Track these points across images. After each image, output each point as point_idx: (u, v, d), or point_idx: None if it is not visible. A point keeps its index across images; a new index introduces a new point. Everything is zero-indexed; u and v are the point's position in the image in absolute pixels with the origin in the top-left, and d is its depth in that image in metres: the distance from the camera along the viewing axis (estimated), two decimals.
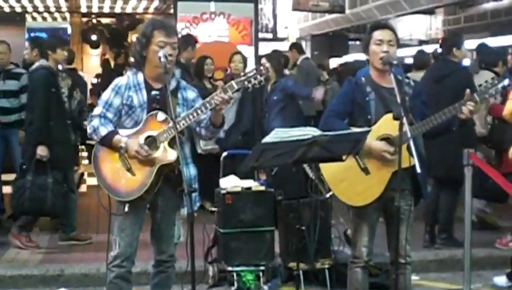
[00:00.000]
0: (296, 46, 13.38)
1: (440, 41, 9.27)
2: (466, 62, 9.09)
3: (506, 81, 4.91)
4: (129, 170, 4.85)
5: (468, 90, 4.88)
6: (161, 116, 4.83)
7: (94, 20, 17.60)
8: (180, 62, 7.88)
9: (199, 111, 4.78)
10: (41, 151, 7.34)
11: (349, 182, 5.00)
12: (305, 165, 6.45)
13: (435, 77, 7.73)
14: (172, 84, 4.94)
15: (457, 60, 7.88)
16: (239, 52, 9.40)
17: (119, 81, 4.99)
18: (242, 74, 4.94)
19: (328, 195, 6.47)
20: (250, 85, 4.88)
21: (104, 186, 4.91)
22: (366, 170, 4.96)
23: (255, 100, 9.34)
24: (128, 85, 4.93)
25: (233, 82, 4.84)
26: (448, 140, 6.59)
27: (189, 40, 9.48)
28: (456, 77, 7.50)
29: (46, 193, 7.35)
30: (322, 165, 5.18)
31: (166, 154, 4.79)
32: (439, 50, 8.54)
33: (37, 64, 7.76)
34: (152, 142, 4.81)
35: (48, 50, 7.74)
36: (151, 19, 5.24)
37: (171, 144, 4.78)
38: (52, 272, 6.95)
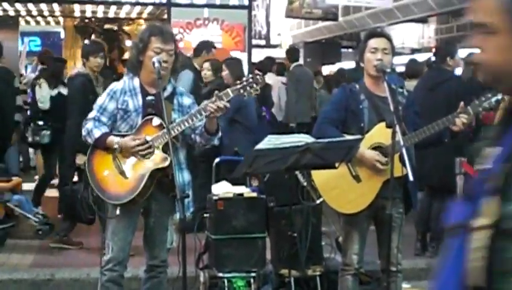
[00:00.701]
0: (289, 53, 13.41)
1: (434, 50, 9.30)
2: (459, 71, 9.11)
3: (500, 95, 4.93)
4: (122, 173, 4.86)
5: (462, 103, 4.90)
6: (156, 121, 4.85)
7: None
8: (193, 67, 7.79)
9: (194, 117, 4.79)
10: (79, 160, 7.11)
11: (341, 190, 5.01)
12: (297, 172, 6.45)
13: (428, 85, 7.76)
14: (168, 90, 4.96)
15: (450, 68, 7.93)
16: (208, 60, 9.18)
17: (115, 85, 5.02)
18: (238, 82, 4.95)
19: (318, 201, 6.47)
20: (245, 93, 4.89)
21: (96, 189, 4.93)
22: (357, 178, 4.97)
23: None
24: (123, 90, 4.95)
25: (228, 90, 4.85)
26: (442, 149, 6.62)
27: (204, 46, 9.38)
28: (449, 86, 7.54)
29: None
30: (313, 172, 5.20)
31: (160, 158, 4.80)
32: (433, 58, 8.57)
33: (75, 71, 7.85)
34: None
35: (83, 58, 7.84)
36: (149, 24, 5.23)
37: (165, 149, 4.79)
38: (43, 277, 6.94)
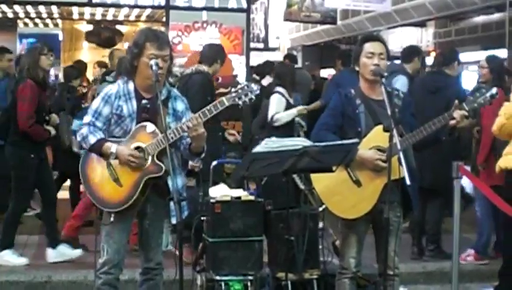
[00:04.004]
0: (288, 57, 13.42)
1: (434, 53, 9.32)
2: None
3: (494, 90, 4.95)
4: (116, 180, 4.85)
5: (456, 101, 4.93)
6: (150, 127, 4.82)
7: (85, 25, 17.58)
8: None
9: (189, 124, 4.77)
10: (195, 163, 7.02)
11: (342, 196, 5.01)
12: (295, 177, 6.45)
13: (430, 88, 7.78)
14: (164, 94, 4.93)
15: (452, 73, 7.97)
16: None
17: (110, 89, 4.99)
18: (233, 90, 4.92)
19: (320, 209, 6.47)
20: (240, 102, 4.86)
21: (91, 195, 4.92)
22: (358, 182, 4.97)
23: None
24: (118, 94, 4.92)
25: (224, 98, 4.83)
26: (435, 151, 6.63)
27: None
28: (452, 90, 7.55)
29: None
30: (314, 179, 5.19)
31: (154, 167, 4.79)
32: (429, 62, 8.59)
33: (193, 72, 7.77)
34: (140, 153, 4.81)
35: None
36: (144, 28, 5.17)
37: (159, 156, 4.77)
38: (40, 279, 6.93)
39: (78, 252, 7.50)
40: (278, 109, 8.60)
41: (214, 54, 7.85)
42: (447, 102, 7.18)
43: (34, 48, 7.54)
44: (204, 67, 7.65)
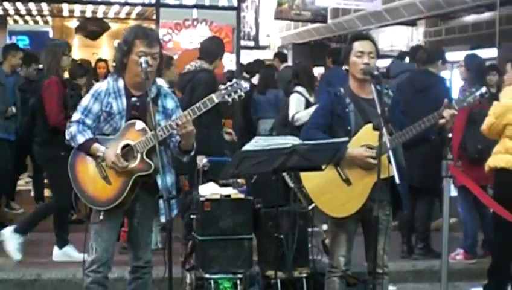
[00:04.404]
0: (278, 55, 13.42)
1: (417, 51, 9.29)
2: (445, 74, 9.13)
3: (483, 89, 4.97)
4: (105, 178, 4.84)
5: (446, 100, 4.94)
6: (139, 125, 4.81)
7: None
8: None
9: (178, 122, 4.76)
10: (200, 160, 7.05)
11: (332, 194, 5.01)
12: (285, 175, 6.45)
13: (417, 87, 7.76)
14: (153, 91, 4.91)
15: (436, 71, 7.95)
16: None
17: (99, 86, 4.97)
18: (222, 86, 4.92)
19: (310, 207, 6.47)
20: (230, 99, 4.86)
21: (79, 193, 4.90)
22: (347, 181, 4.97)
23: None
24: (108, 91, 4.90)
25: (213, 95, 4.82)
26: (424, 150, 6.65)
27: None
28: (439, 89, 7.57)
29: None
30: (303, 177, 5.19)
31: (143, 165, 4.78)
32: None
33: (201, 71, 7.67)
34: (129, 151, 4.80)
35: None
36: (134, 26, 5.14)
37: (149, 154, 4.76)
38: (29, 277, 6.92)
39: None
40: (297, 108, 8.65)
41: (215, 49, 7.74)
42: (435, 101, 7.20)
43: (57, 47, 7.43)
44: (207, 65, 7.55)
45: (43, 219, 7.47)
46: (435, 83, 7.76)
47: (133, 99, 4.89)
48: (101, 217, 4.85)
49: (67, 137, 4.95)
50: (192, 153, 5.02)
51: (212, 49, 7.68)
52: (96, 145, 4.83)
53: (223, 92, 4.83)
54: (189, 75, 7.48)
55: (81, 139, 4.85)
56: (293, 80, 9.21)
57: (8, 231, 7.33)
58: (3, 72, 8.82)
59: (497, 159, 6.37)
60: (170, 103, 5.01)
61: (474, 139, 7.27)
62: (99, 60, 12.78)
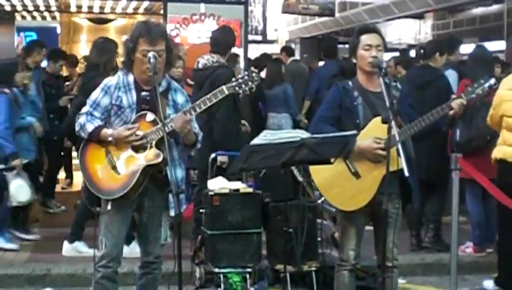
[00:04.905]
0: (285, 49, 13.40)
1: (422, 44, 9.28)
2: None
3: (492, 80, 4.97)
4: (114, 168, 4.85)
5: (453, 95, 4.94)
6: (150, 116, 4.83)
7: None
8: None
9: (187, 114, 4.78)
10: (222, 158, 7.10)
11: (341, 188, 5.00)
12: (293, 169, 6.45)
13: (417, 82, 7.69)
14: (163, 85, 4.94)
15: (436, 65, 7.92)
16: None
17: (110, 80, 4.99)
18: (234, 79, 4.93)
19: (319, 201, 6.48)
20: (240, 91, 4.89)
21: (88, 183, 4.92)
22: (356, 174, 4.96)
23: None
24: (118, 85, 4.93)
25: (224, 87, 4.85)
26: (432, 144, 6.64)
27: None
28: (440, 84, 7.57)
29: None
30: (312, 171, 5.18)
31: (153, 155, 4.79)
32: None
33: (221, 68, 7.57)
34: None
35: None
36: (140, 22, 5.10)
37: (159, 145, 4.77)
38: (39, 272, 6.93)
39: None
40: None
41: (227, 39, 7.62)
42: (437, 95, 7.22)
43: (112, 47, 7.46)
44: (223, 60, 7.46)
45: (86, 219, 7.49)
46: (435, 78, 7.74)
47: (143, 93, 4.91)
48: (109, 207, 4.86)
49: (76, 128, 4.97)
50: (198, 146, 5.03)
51: (224, 41, 7.58)
52: (105, 130, 4.86)
53: (234, 84, 4.86)
54: (208, 70, 7.37)
55: (90, 127, 4.88)
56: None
57: (66, 246, 7.47)
58: (35, 90, 8.68)
59: (497, 150, 6.42)
60: (180, 98, 5.02)
61: (465, 130, 7.29)
62: None
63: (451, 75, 8.32)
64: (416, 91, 7.43)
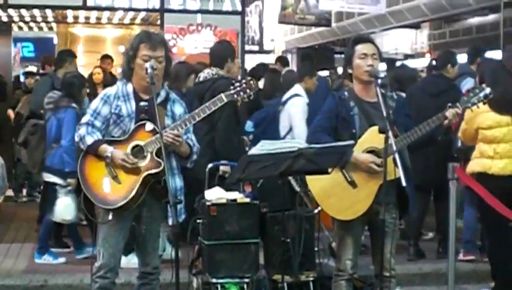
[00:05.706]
0: (280, 59, 13.42)
1: (432, 56, 9.39)
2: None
3: (487, 90, 4.98)
4: (115, 178, 4.86)
5: (449, 104, 4.96)
6: (149, 126, 4.85)
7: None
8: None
9: (187, 122, 4.81)
10: (224, 167, 7.06)
11: (337, 197, 5.01)
12: (291, 179, 6.45)
13: (431, 91, 7.79)
14: (162, 96, 4.97)
15: (450, 76, 8.02)
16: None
17: (109, 90, 5.03)
18: (232, 87, 4.96)
19: (316, 211, 6.48)
20: (239, 98, 4.92)
21: (89, 193, 4.92)
22: (353, 184, 4.97)
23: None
24: (117, 95, 4.96)
25: (222, 95, 4.88)
26: (429, 153, 6.64)
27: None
28: (454, 94, 7.58)
29: None
30: (309, 181, 5.19)
31: (153, 164, 4.80)
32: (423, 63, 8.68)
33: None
34: (139, 151, 4.84)
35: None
36: (140, 31, 5.18)
37: (158, 154, 4.79)
38: (36, 283, 6.93)
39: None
40: None
41: (223, 52, 7.67)
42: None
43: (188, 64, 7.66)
44: (222, 72, 7.53)
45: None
46: (449, 88, 7.82)
47: (142, 103, 4.94)
48: (110, 217, 4.86)
49: (76, 139, 4.99)
50: (194, 157, 5.06)
51: (219, 53, 7.64)
52: (104, 146, 4.87)
53: (232, 92, 4.89)
54: (207, 83, 7.41)
55: (89, 140, 4.89)
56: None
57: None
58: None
59: (473, 164, 6.39)
60: (178, 109, 5.05)
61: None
62: (95, 66, 12.53)
63: (469, 82, 8.41)
64: (430, 100, 7.49)
